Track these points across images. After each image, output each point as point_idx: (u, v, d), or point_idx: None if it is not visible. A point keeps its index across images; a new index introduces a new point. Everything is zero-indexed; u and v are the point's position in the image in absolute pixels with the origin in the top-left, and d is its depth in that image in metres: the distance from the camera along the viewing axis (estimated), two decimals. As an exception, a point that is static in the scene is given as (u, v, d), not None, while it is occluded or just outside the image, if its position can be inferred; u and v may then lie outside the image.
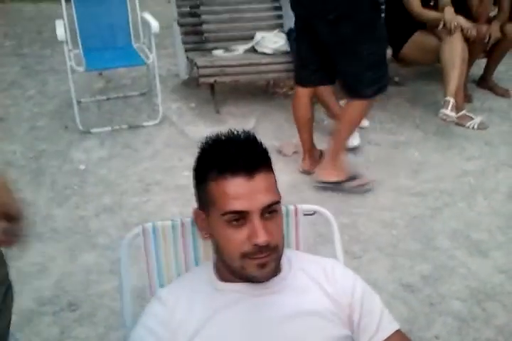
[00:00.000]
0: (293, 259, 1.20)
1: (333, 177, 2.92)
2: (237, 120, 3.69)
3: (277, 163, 1.25)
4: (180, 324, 1.08)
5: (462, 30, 3.57)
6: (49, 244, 2.57)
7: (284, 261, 1.15)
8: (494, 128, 3.71)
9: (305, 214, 1.42)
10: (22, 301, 2.13)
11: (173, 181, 3.06)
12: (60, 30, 3.46)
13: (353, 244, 2.60)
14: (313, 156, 3.18)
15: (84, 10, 3.76)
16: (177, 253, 1.33)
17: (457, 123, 3.66)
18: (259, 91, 4.22)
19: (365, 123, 3.64)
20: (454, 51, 3.55)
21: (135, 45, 3.94)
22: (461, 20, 3.58)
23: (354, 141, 3.38)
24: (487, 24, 3.83)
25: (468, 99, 3.99)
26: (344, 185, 2.92)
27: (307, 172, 3.13)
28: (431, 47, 3.72)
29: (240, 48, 3.89)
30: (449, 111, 3.41)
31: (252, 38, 3.92)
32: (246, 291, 1.11)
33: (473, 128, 3.66)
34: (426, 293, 2.32)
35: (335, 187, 2.93)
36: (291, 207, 1.40)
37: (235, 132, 1.10)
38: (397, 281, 2.38)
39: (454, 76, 3.52)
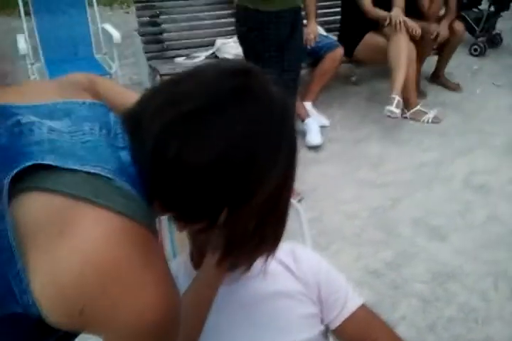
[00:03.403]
0: None
1: None
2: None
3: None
4: None
5: (407, 29, 3.68)
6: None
7: None
8: (448, 120, 3.88)
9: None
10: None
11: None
12: (22, 44, 3.52)
13: (319, 237, 2.71)
14: None
15: (45, 23, 3.83)
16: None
17: (412, 119, 3.84)
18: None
19: (325, 122, 3.78)
20: (400, 50, 3.64)
21: (97, 56, 4.01)
22: (407, 19, 3.71)
23: (315, 140, 3.51)
24: (437, 23, 4.01)
25: (421, 94, 4.16)
26: None
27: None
28: (380, 48, 3.78)
29: (202, 55, 3.99)
30: (393, 108, 3.50)
31: (212, 44, 4.03)
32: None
33: (427, 122, 3.82)
34: (390, 277, 2.45)
35: None
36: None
37: None
38: (362, 268, 2.50)
39: (400, 74, 3.61)
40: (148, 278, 0.69)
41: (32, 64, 3.67)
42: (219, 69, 0.81)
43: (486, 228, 2.76)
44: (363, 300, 1.22)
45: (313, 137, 3.52)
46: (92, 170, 0.69)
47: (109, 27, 3.83)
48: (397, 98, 3.53)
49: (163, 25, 4.03)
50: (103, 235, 0.66)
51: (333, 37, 4.06)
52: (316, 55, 3.78)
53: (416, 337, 2.15)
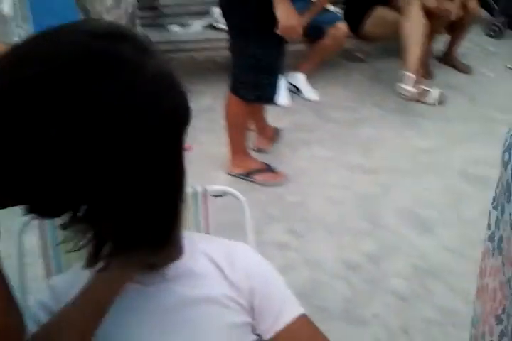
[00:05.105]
0: (197, 243, 1.12)
1: (235, 170, 2.86)
2: (192, 96, 3.61)
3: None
4: None
5: (423, 3, 3.53)
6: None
7: (185, 244, 1.08)
8: (453, 104, 3.66)
9: (214, 196, 1.37)
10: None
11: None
12: (8, 3, 3.34)
13: (298, 223, 2.57)
14: (266, 134, 3.12)
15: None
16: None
17: (417, 100, 3.61)
18: (219, 69, 4.13)
19: (314, 96, 3.61)
20: (415, 25, 3.50)
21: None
22: None
23: (282, 100, 3.40)
24: (449, 0, 3.76)
25: (429, 75, 3.94)
26: (251, 177, 2.83)
27: (260, 150, 3.07)
28: (392, 23, 3.64)
29: (197, 24, 3.79)
30: (409, 87, 3.36)
31: (209, 13, 3.82)
32: (139, 279, 1.03)
33: (430, 103, 3.60)
34: (368, 271, 2.30)
35: (244, 177, 2.85)
36: (199, 189, 1.34)
37: None
38: (339, 260, 2.35)
39: (415, 50, 3.46)
40: None
41: (18, 26, 3.49)
42: (76, 30, 0.67)
43: (478, 224, 2.53)
44: (302, 311, 1.07)
45: (280, 98, 3.36)
46: None
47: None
48: (412, 76, 3.35)
49: (159, -10, 3.83)
50: None
51: (338, 11, 3.83)
52: (318, 31, 3.53)
53: (386, 338, 2.01)
